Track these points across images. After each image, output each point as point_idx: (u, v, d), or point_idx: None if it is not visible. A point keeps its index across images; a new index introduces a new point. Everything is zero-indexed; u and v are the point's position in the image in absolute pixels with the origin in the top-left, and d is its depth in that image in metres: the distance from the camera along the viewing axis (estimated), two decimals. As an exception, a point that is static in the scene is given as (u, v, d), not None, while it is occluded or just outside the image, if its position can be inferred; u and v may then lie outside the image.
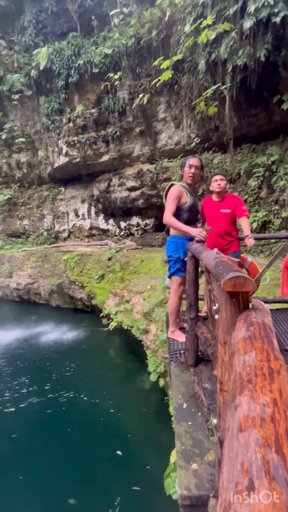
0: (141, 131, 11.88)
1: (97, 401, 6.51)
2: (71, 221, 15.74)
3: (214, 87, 8.83)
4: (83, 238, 15.45)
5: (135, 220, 13.72)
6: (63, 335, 10.20)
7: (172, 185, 3.62)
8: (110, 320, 8.89)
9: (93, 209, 15.00)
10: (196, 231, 3.24)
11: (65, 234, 16.05)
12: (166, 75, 9.33)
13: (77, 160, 13.29)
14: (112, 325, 8.66)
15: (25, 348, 9.30)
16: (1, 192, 16.10)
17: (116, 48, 11.10)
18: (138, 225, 13.69)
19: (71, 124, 12.73)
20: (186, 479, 1.54)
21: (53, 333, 10.42)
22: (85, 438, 5.28)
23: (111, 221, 14.51)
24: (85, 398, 6.59)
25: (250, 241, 3.81)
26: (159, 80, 9.63)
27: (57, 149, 13.67)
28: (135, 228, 13.83)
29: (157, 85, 10.16)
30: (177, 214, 3.50)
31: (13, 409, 6.21)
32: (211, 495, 1.44)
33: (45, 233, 15.89)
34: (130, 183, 12.67)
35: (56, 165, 14.01)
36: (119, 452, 4.97)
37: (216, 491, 1.38)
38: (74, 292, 12.33)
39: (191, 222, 3.57)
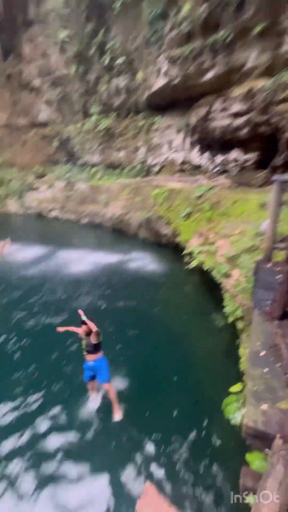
0: (261, 31, 9.17)
1: (170, 326, 7.26)
2: (163, 154, 15.19)
3: None
4: (174, 173, 14.93)
5: (233, 154, 12.04)
6: (147, 265, 11.18)
7: None
8: (192, 259, 9.02)
9: (188, 141, 13.84)
10: None
11: (157, 168, 15.83)
12: None
13: (177, 81, 11.81)
14: (193, 264, 8.80)
15: (117, 270, 10.78)
16: (100, 121, 16.55)
17: None
18: (236, 160, 12.03)
19: (174, 33, 10.93)
20: (254, 415, 1.62)
21: (139, 261, 11.51)
22: (154, 357, 6.10)
23: (206, 154, 13.22)
24: (159, 322, 7.43)
25: None
26: None
27: (157, 69, 12.37)
28: (232, 164, 12.27)
29: None
30: None
31: (102, 312, 7.69)
32: (279, 435, 1.48)
33: (139, 166, 16.08)
34: (235, 107, 10.69)
35: (154, 88, 12.94)
36: (183, 374, 5.64)
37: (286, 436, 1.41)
38: (160, 228, 12.76)
39: None
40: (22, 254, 12.40)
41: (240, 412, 4.03)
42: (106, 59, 13.98)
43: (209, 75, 10.95)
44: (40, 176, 20.80)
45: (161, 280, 9.95)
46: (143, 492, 1.69)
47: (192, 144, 13.63)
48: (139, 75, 13.75)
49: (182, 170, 14.64)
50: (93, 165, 18.46)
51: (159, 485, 3.51)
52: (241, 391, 4.19)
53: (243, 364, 5.10)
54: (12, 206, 21.42)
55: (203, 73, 11.06)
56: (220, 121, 11.35)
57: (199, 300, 8.72)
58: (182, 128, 13.69)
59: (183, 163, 14.41)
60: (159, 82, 12.46)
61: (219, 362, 6.02)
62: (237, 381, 4.75)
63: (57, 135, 19.92)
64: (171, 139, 14.44)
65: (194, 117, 12.37)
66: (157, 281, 9.84)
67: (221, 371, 5.73)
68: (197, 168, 13.89)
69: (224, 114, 11.11)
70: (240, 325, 5.94)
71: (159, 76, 12.35)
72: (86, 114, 17.57)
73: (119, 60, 13.79)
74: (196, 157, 13.63)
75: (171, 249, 12.52)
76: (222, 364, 5.92)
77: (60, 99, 18.22)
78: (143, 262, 11.49)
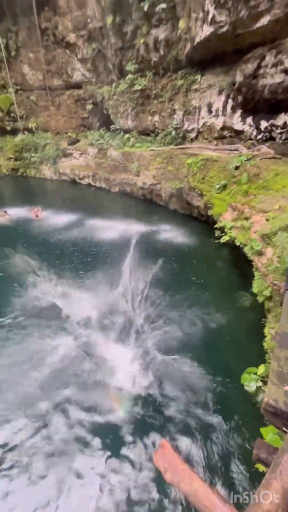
0: None
1: (196, 300, 7.30)
2: (201, 119, 14.03)
3: None
4: (212, 140, 13.86)
5: (282, 118, 10.71)
6: (176, 237, 11.03)
7: None
8: (223, 233, 8.69)
9: (229, 103, 12.53)
10: None
11: (193, 134, 14.78)
12: None
13: (225, 29, 10.37)
14: (225, 239, 8.49)
15: (146, 240, 10.80)
16: (136, 81, 15.49)
17: None
18: (285, 126, 10.73)
19: None
20: (276, 394, 1.62)
21: (169, 233, 11.38)
22: (179, 328, 6.24)
23: (249, 119, 11.94)
24: (185, 294, 7.47)
25: None
26: None
27: (202, 15, 10.91)
28: (279, 130, 11.00)
29: None
30: None
31: (129, 282, 7.91)
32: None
33: (173, 132, 15.13)
34: (291, 61, 9.26)
35: (197, 39, 11.57)
36: (206, 346, 5.77)
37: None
38: (192, 199, 12.28)
39: None
40: (55, 220, 12.90)
41: (256, 383, 4.16)
42: (146, 5, 12.63)
43: (264, 20, 9.42)
44: (74, 141, 20.63)
45: (190, 253, 9.83)
46: (159, 446, 1.86)
47: (234, 107, 12.34)
48: (181, 24, 12.31)
49: (221, 137, 13.51)
50: (126, 131, 17.75)
51: (174, 442, 3.83)
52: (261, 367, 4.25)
53: (268, 343, 5.07)
54: (47, 171, 21.84)
55: (257, 18, 9.54)
56: (271, 79, 9.99)
57: (228, 275, 8.56)
58: (224, 88, 12.36)
59: (223, 128, 13.23)
60: (204, 31, 11.07)
61: (242, 338, 6.06)
62: (258, 358, 4.81)
63: (91, 97, 19.21)
64: (211, 102, 13.19)
65: (240, 74, 11.01)
66: (186, 254, 9.75)
67: (243, 347, 5.79)
68: (238, 135, 12.71)
69: (277, 70, 9.73)
70: (267, 305, 5.79)
71: (204, 23, 10.93)
72: (122, 74, 16.53)
73: (160, 6, 12.39)
74: (238, 122, 12.39)
75: (202, 222, 12.13)
76: (245, 340, 5.96)
77: (95, 56, 17.23)
78: (173, 234, 11.34)
